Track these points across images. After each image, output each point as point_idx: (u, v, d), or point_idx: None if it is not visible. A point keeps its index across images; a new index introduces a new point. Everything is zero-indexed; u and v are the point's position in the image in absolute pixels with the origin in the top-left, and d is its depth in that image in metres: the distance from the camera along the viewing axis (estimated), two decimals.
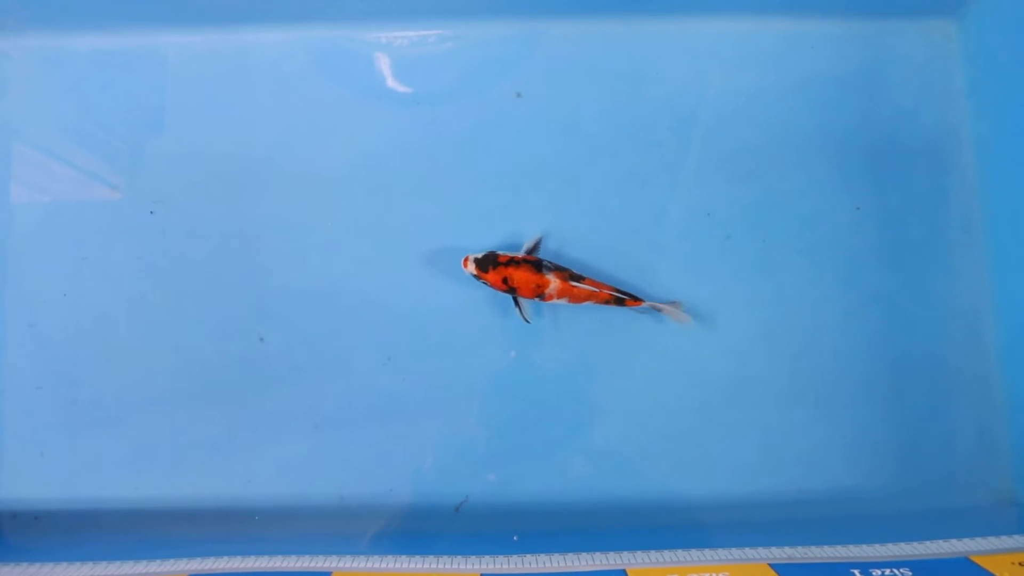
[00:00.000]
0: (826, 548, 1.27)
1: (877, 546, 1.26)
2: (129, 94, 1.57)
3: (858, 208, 1.53)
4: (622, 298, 1.44)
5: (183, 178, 1.55)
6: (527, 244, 1.47)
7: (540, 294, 1.42)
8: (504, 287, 1.42)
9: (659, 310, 1.45)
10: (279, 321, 1.51)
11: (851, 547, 1.26)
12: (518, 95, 1.55)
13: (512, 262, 1.41)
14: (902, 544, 1.26)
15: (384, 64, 1.57)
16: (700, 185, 1.54)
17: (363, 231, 1.52)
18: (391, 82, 1.56)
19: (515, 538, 1.39)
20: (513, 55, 1.56)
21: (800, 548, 1.27)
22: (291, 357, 1.50)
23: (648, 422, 1.49)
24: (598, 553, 1.28)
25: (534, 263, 1.41)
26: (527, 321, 1.45)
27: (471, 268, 1.42)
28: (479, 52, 1.56)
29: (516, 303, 1.45)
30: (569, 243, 1.52)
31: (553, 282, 1.41)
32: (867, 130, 1.56)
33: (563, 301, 1.43)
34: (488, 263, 1.41)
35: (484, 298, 1.50)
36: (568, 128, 1.55)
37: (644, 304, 1.45)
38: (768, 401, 1.50)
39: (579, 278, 1.43)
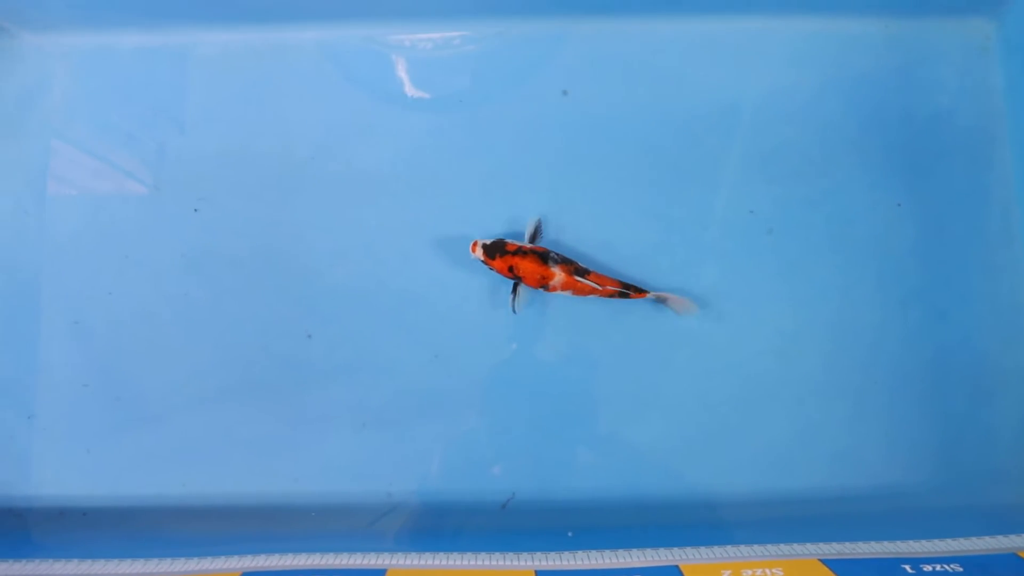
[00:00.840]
0: (874, 544, 1.28)
1: (924, 542, 1.28)
2: (173, 92, 1.57)
3: (899, 204, 1.53)
4: (627, 292, 1.44)
5: (227, 176, 1.55)
6: (529, 228, 1.48)
7: (544, 285, 1.43)
8: (510, 275, 1.43)
9: (664, 300, 1.46)
10: (326, 318, 1.51)
11: (899, 543, 1.28)
12: (564, 93, 1.56)
13: (520, 252, 1.42)
14: (949, 540, 1.28)
15: (428, 63, 1.57)
16: (742, 183, 1.55)
17: (409, 229, 1.52)
18: (435, 80, 1.57)
19: (570, 534, 1.40)
20: (558, 53, 1.56)
21: (848, 544, 1.28)
22: (337, 354, 1.51)
23: (690, 418, 1.50)
24: (650, 549, 1.29)
25: (541, 255, 1.42)
26: (515, 312, 1.46)
27: (479, 253, 1.43)
28: (525, 51, 1.56)
29: (514, 291, 1.46)
30: (613, 241, 1.53)
31: (558, 275, 1.42)
32: (906, 128, 1.56)
33: (567, 294, 1.44)
34: (496, 250, 1.42)
35: (527, 296, 1.50)
36: (612, 126, 1.55)
37: (649, 295, 1.45)
38: (808, 397, 1.51)
39: (584, 272, 1.44)
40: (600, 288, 1.43)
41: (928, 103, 1.57)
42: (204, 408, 1.51)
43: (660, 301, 1.47)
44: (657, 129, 1.55)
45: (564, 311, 1.51)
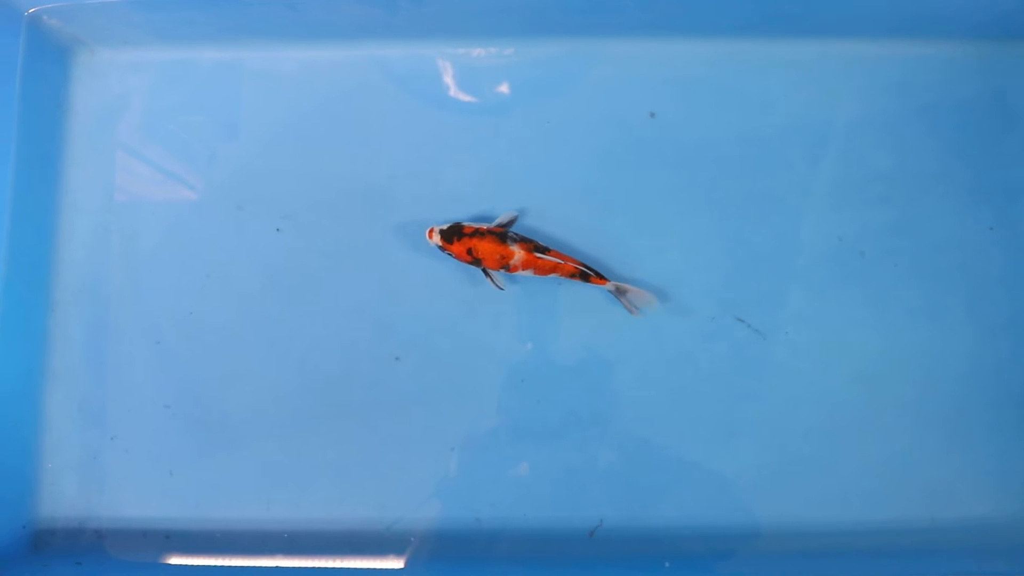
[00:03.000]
0: None
1: None
2: (252, 109, 1.56)
3: (991, 228, 1.51)
4: (587, 273, 1.43)
5: (310, 195, 1.53)
6: (500, 218, 1.46)
7: (505, 265, 1.42)
8: (469, 258, 1.42)
9: (624, 291, 1.44)
10: (414, 340, 1.50)
11: None
12: (651, 115, 1.54)
13: (477, 233, 1.41)
14: None
15: (514, 81, 1.55)
16: (831, 209, 1.53)
17: None
18: (522, 100, 1.55)
19: (667, 564, 1.39)
20: (646, 75, 1.54)
21: None
22: (425, 377, 1.49)
23: (778, 446, 1.49)
24: None
25: (499, 234, 1.41)
26: (501, 288, 1.45)
27: (436, 239, 1.42)
28: (613, 72, 1.54)
29: (486, 274, 1.45)
30: (699, 266, 1.51)
31: (518, 253, 1.41)
32: (997, 153, 1.54)
33: (528, 273, 1.43)
34: (453, 234, 1.41)
35: (616, 320, 1.49)
36: (699, 149, 1.53)
37: (609, 284, 1.44)
38: (897, 427, 1.49)
39: (544, 250, 1.42)
40: (562, 264, 1.41)
41: (1019, 127, 1.55)
42: (288, 431, 1.49)
43: (620, 292, 1.45)
44: (745, 153, 1.53)
45: (651, 339, 1.49)
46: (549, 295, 1.50)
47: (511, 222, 1.47)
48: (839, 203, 1.53)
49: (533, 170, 1.53)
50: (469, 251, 1.41)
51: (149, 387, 1.51)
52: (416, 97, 1.55)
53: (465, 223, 1.43)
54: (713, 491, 1.47)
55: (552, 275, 1.44)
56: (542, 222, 1.51)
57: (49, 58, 1.52)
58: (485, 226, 1.43)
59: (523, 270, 1.42)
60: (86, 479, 1.49)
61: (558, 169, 1.53)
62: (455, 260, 1.44)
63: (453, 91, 1.55)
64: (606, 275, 1.45)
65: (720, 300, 1.50)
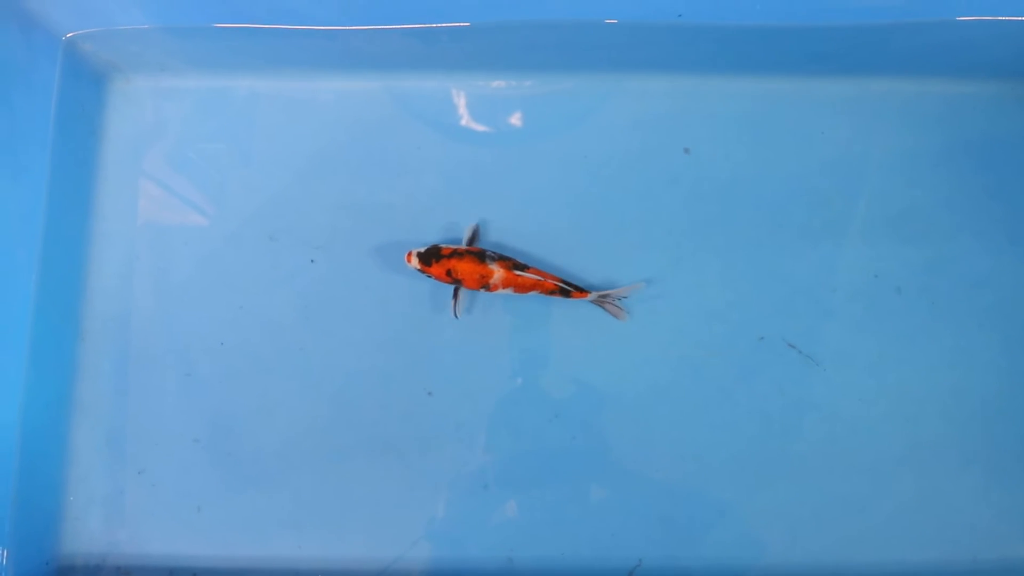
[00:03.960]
0: None
1: None
2: (286, 138, 1.54)
3: None
4: (568, 290, 1.43)
5: (344, 226, 1.52)
6: (466, 234, 1.46)
7: (485, 284, 1.41)
8: (449, 279, 1.41)
9: (605, 296, 1.44)
10: (447, 375, 1.47)
11: None
12: (686, 151, 1.53)
13: (455, 254, 1.40)
14: None
15: (550, 115, 1.55)
16: (866, 245, 1.52)
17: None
18: (558, 133, 1.54)
19: None
20: (681, 111, 1.54)
21: None
22: (459, 412, 1.47)
23: (818, 485, 1.47)
24: None
25: (477, 254, 1.41)
26: (456, 316, 1.45)
27: (415, 263, 1.41)
28: (648, 107, 1.54)
29: (455, 295, 1.44)
30: (736, 302, 1.50)
31: (497, 272, 1.40)
32: None
33: (508, 291, 1.42)
34: (431, 256, 1.40)
35: (653, 355, 1.48)
36: (734, 185, 1.53)
37: (591, 296, 1.44)
38: (938, 466, 1.48)
39: (523, 267, 1.42)
40: (542, 281, 1.41)
41: None
42: (320, 467, 1.46)
43: (602, 301, 1.45)
44: (781, 189, 1.53)
45: (688, 376, 1.48)
46: (583, 330, 1.49)
47: (475, 234, 1.46)
48: (875, 240, 1.52)
49: (570, 204, 1.52)
50: (448, 272, 1.40)
51: (178, 419, 1.48)
52: (452, 129, 1.54)
53: (443, 245, 1.42)
54: (752, 529, 1.45)
55: (532, 292, 1.43)
56: (578, 256, 1.50)
57: (84, 84, 1.51)
58: (463, 247, 1.42)
59: (503, 289, 1.42)
60: (112, 514, 1.46)
61: (594, 203, 1.52)
62: (440, 282, 1.43)
63: (490, 124, 1.54)
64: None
65: (757, 337, 1.49)
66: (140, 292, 1.51)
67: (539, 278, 1.42)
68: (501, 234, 1.51)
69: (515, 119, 1.55)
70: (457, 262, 1.40)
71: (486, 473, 1.46)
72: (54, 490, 1.46)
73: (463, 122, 1.54)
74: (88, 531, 1.46)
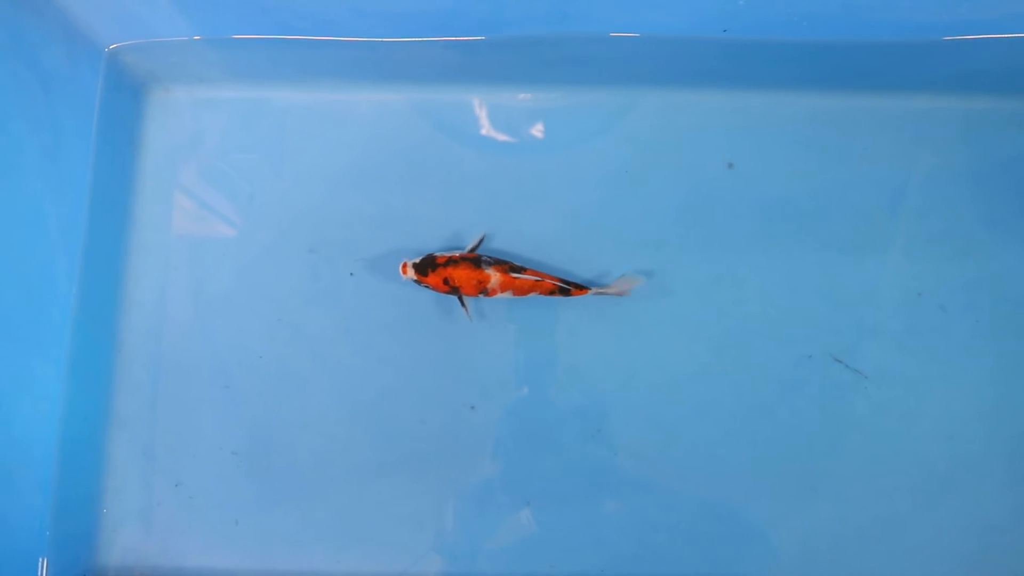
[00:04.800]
0: None
1: None
2: (326, 150, 1.54)
3: None
4: (567, 288, 1.41)
5: (384, 239, 1.51)
6: (470, 243, 1.45)
7: (483, 289, 1.40)
8: (446, 288, 1.40)
9: (606, 293, 1.44)
10: (489, 389, 1.47)
11: None
12: (729, 166, 1.52)
13: (451, 262, 1.39)
14: None
15: (592, 130, 1.54)
16: (909, 262, 1.51)
17: (572, 300, 1.48)
18: (600, 148, 1.53)
19: None
20: (725, 126, 1.53)
21: None
22: (501, 428, 1.46)
23: (861, 505, 1.46)
24: None
25: (472, 260, 1.40)
26: (470, 319, 1.44)
27: (410, 274, 1.40)
28: (691, 122, 1.53)
29: (461, 303, 1.43)
30: (777, 318, 1.49)
31: (494, 276, 1.39)
32: None
33: (507, 295, 1.41)
34: (427, 266, 1.40)
35: (695, 370, 1.47)
36: (777, 201, 1.52)
37: (591, 291, 1.43)
38: (982, 487, 1.46)
39: (520, 270, 1.41)
40: (540, 282, 1.40)
41: None
42: (358, 481, 1.45)
43: (603, 294, 1.45)
44: (822, 205, 1.52)
45: (730, 392, 1.47)
46: (626, 345, 1.48)
47: (478, 243, 1.46)
48: (918, 257, 1.51)
49: (611, 219, 1.51)
50: (445, 280, 1.39)
51: (216, 432, 1.47)
52: (492, 142, 1.53)
53: (437, 253, 1.41)
54: (794, 548, 1.44)
55: (532, 294, 1.42)
56: (616, 272, 1.49)
57: (124, 95, 1.51)
58: (458, 253, 1.41)
59: (501, 293, 1.41)
60: (149, 527, 1.45)
61: (636, 218, 1.51)
62: (450, 295, 1.43)
63: (531, 137, 1.54)
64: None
65: (800, 353, 1.48)
66: (177, 304, 1.50)
67: (536, 279, 1.40)
68: (540, 247, 1.50)
69: (556, 133, 1.54)
70: (453, 269, 1.39)
71: (528, 489, 1.45)
72: (91, 501, 1.45)
73: (503, 135, 1.54)
74: (124, 543, 1.45)
